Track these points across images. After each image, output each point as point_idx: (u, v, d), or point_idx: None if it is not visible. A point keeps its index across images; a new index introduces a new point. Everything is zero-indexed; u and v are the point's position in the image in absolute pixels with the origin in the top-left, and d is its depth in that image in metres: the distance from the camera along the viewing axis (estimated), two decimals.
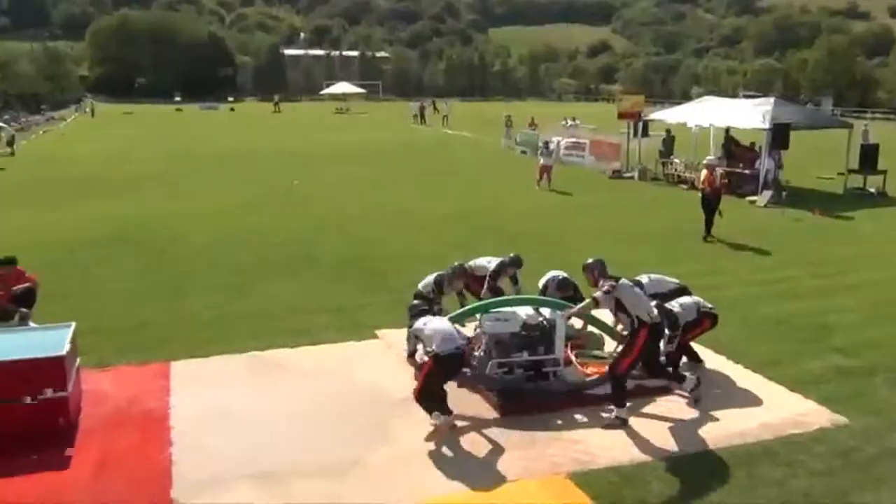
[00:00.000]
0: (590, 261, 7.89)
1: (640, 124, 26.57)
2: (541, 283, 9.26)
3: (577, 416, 7.44)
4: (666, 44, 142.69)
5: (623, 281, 7.58)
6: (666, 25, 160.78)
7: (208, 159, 29.99)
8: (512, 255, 9.75)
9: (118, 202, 19.87)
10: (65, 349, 7.14)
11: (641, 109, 27.52)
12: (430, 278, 9.01)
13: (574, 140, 30.85)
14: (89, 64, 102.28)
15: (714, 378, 8.35)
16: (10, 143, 34.43)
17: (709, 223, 15.59)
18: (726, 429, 7.19)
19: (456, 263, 9.22)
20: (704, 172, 16.29)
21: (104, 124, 52.75)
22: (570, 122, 40.13)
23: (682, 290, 8.79)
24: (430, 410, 7.14)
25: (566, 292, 8.98)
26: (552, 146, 25.59)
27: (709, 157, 17.75)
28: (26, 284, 9.11)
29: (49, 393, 6.92)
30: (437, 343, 7.04)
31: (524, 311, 8.20)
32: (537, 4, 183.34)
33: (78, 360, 7.71)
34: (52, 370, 6.97)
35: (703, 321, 8.37)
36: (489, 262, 9.67)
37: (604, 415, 7.41)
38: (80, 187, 22.45)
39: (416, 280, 9.23)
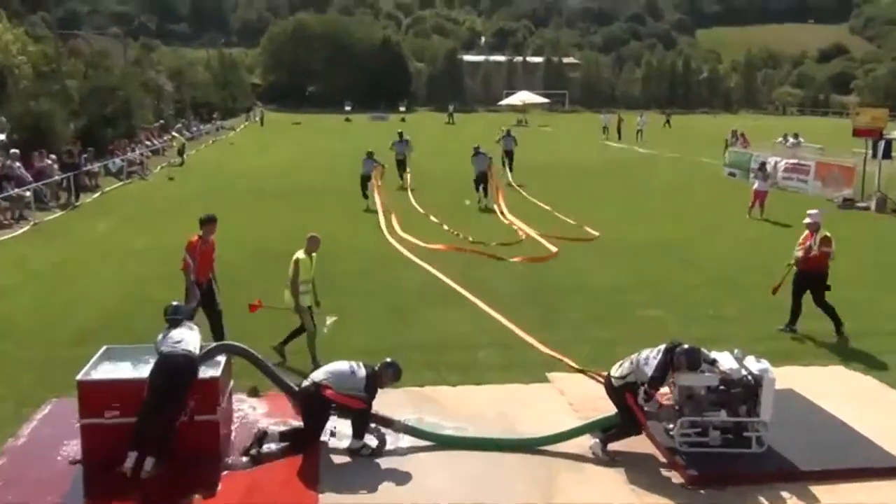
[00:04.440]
0: (685, 347, 7.59)
1: (882, 143, 24.76)
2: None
3: (784, 494, 6.99)
4: None
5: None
6: None
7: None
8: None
9: (275, 217, 21.29)
10: (219, 371, 7.71)
11: (883, 125, 25.62)
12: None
13: (795, 161, 29.33)
14: (262, 71, 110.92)
15: None
16: (181, 152, 38.01)
17: (796, 309, 11.77)
18: None
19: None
20: (805, 234, 11.76)
21: (272, 134, 56.66)
22: (790, 140, 38.11)
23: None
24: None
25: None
26: (769, 168, 24.43)
27: (811, 212, 12.04)
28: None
29: (199, 415, 7.46)
30: None
31: (727, 363, 7.83)
32: (756, 1, 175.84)
33: (231, 382, 8.29)
34: (206, 391, 7.52)
35: None
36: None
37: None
38: (241, 200, 24.19)
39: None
